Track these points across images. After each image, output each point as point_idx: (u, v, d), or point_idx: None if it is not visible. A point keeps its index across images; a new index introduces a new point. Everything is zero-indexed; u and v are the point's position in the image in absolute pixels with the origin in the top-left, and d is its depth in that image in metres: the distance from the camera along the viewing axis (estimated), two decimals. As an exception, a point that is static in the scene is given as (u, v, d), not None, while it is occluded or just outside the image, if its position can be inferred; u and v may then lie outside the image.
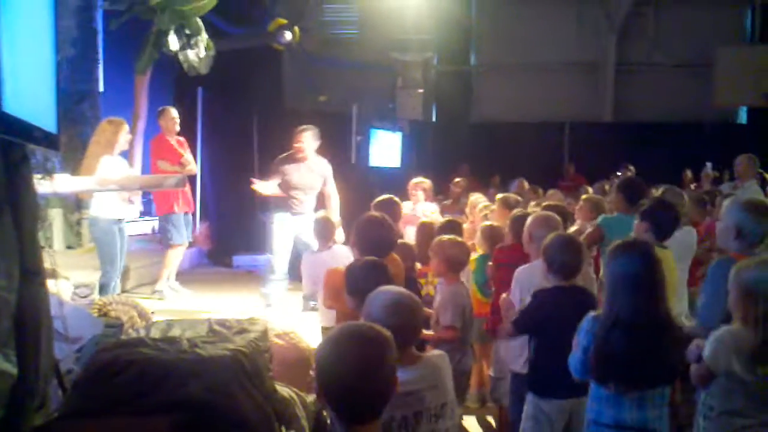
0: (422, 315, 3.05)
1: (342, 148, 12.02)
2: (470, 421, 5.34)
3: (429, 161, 14.91)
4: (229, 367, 2.74)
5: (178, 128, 8.45)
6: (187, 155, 8.45)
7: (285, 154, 7.69)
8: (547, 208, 5.43)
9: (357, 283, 3.42)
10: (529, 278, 4.23)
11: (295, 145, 7.59)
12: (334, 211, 7.66)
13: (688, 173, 11.52)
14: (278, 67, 14.05)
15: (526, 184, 9.19)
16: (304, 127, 7.71)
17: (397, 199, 5.80)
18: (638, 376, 3.23)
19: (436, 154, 15.55)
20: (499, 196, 6.85)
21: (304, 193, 7.66)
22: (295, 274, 7.33)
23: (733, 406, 3.13)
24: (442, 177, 11.53)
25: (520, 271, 4.38)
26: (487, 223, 5.86)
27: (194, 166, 8.88)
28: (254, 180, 7.76)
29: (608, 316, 3.25)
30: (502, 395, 4.88)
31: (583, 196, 6.83)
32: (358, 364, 2.09)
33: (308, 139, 7.60)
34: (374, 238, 4.38)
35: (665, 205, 4.94)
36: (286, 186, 7.63)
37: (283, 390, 2.93)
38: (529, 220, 4.57)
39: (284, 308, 7.58)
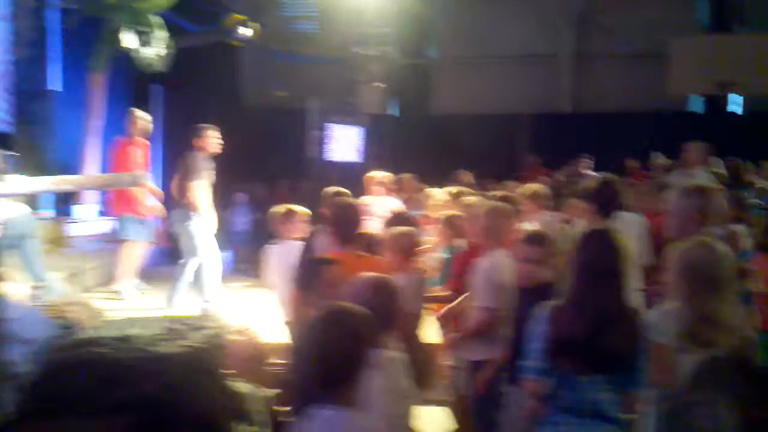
0: (399, 301, 3.10)
1: (301, 142, 12.06)
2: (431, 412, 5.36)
3: (391, 155, 14.93)
4: (186, 364, 2.74)
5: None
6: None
7: (198, 154, 7.60)
8: (495, 198, 5.50)
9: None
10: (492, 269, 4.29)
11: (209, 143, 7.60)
12: None
13: (631, 162, 11.42)
14: (237, 63, 13.99)
15: (466, 177, 9.27)
16: (209, 125, 7.73)
17: (345, 190, 5.84)
18: (594, 361, 3.31)
19: (399, 147, 15.59)
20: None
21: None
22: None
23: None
24: (405, 171, 11.55)
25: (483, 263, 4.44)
26: (448, 212, 5.90)
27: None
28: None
29: (570, 303, 3.35)
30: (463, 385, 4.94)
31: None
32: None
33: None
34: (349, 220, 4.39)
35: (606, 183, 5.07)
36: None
37: (241, 385, 2.95)
38: (483, 212, 4.65)
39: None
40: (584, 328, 3.27)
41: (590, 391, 3.32)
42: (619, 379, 3.37)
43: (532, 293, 3.84)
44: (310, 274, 3.35)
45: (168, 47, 9.77)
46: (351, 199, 5.39)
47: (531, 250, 4.08)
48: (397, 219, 5.41)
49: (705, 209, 4.18)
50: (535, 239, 4.14)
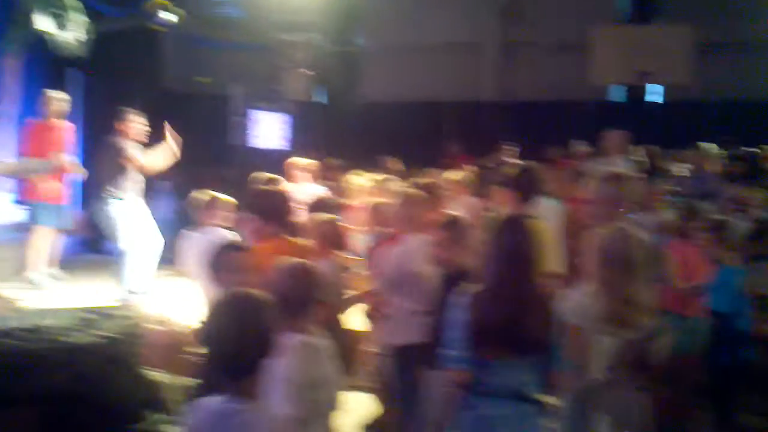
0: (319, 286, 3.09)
1: (224, 129, 11.96)
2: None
3: (319, 142, 14.87)
4: (99, 354, 2.70)
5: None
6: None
7: (120, 138, 7.55)
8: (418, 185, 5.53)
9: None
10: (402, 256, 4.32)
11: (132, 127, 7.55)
12: None
13: (554, 150, 11.61)
14: (159, 48, 13.69)
15: (394, 164, 9.32)
16: (133, 110, 7.70)
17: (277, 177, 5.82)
18: (513, 345, 3.36)
19: (326, 135, 15.52)
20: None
21: None
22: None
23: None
24: (331, 158, 11.53)
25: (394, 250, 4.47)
26: (374, 199, 5.92)
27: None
28: None
29: (488, 289, 3.38)
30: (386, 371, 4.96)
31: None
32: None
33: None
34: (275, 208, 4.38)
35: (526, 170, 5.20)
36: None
37: (156, 374, 2.91)
38: (402, 200, 4.69)
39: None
40: (502, 313, 3.31)
41: (509, 375, 3.38)
42: (537, 362, 3.43)
43: (450, 279, 3.88)
44: (222, 260, 3.32)
45: (88, 32, 9.50)
46: (276, 186, 5.37)
47: (446, 235, 4.14)
48: (320, 205, 5.40)
49: (623, 196, 4.32)
50: (450, 224, 4.20)
